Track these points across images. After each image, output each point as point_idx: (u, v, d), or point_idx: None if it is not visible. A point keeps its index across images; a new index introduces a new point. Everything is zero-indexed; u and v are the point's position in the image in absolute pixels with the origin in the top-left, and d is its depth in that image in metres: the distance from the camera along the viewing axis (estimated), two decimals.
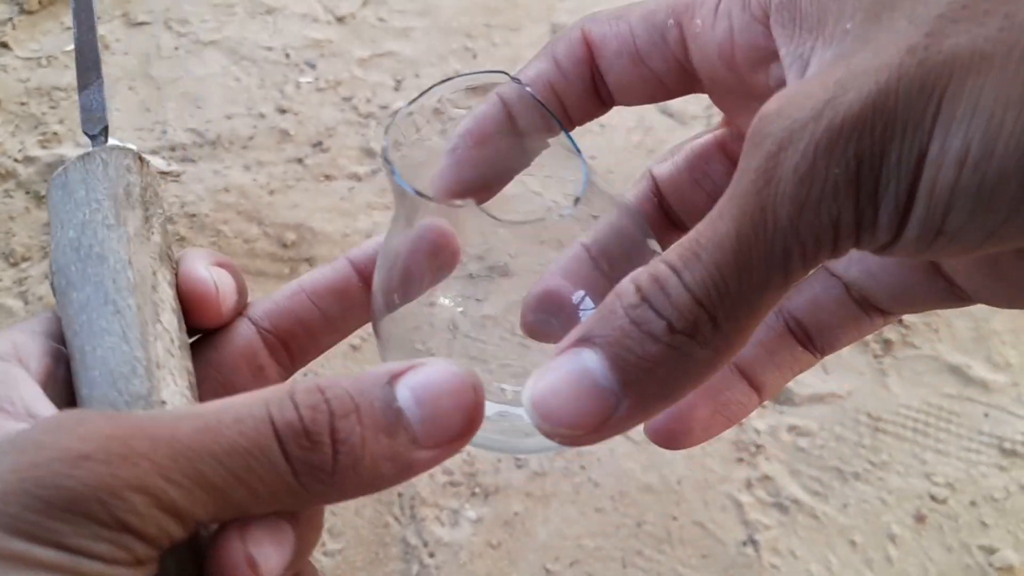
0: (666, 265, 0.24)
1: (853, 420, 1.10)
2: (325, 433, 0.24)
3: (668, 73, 0.34)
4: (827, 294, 0.33)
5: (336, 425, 0.24)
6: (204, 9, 1.63)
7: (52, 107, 1.48)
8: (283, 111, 1.47)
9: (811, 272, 0.34)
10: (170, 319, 0.33)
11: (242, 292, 0.39)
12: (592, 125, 1.46)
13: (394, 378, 0.26)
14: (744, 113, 0.34)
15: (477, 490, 1.03)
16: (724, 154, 0.37)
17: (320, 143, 1.43)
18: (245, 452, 0.24)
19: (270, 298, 0.39)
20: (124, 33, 1.60)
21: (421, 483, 1.04)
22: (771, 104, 0.24)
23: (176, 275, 0.36)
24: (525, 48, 1.58)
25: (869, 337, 0.96)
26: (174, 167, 1.39)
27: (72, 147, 1.41)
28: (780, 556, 0.98)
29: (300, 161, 1.40)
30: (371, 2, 1.65)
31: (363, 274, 0.39)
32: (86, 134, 0.37)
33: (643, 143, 1.41)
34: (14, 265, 1.27)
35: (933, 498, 1.03)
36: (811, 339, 0.34)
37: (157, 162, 1.39)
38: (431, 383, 0.26)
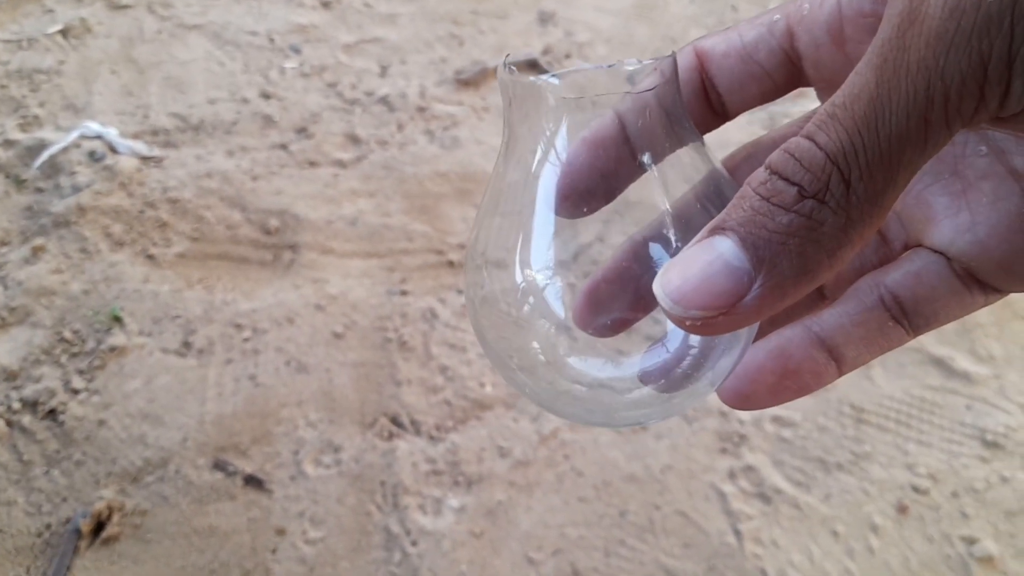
0: (801, 135, 0.23)
1: (836, 411, 1.10)
2: None
3: (776, 67, 0.33)
4: (928, 268, 0.32)
5: None
6: None
7: (32, 90, 1.46)
8: (267, 96, 1.46)
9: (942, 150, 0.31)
10: None
11: None
12: None
13: None
14: None
15: (460, 479, 1.03)
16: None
17: (304, 129, 1.42)
18: None
19: None
20: (106, 16, 1.58)
21: (403, 471, 1.03)
22: None
23: None
24: (512, 35, 1.57)
25: None
26: (156, 152, 1.37)
27: (52, 130, 1.40)
28: (763, 546, 0.98)
29: (284, 147, 1.39)
30: None
31: None
32: None
33: None
34: None
35: (915, 489, 1.03)
36: (907, 315, 0.32)
37: (139, 147, 1.37)
38: None
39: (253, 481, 1.02)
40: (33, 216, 1.29)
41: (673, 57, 0.30)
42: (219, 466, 1.04)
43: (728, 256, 0.24)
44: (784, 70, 0.33)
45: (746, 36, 0.33)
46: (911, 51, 0.22)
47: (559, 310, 0.32)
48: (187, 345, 1.15)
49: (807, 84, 0.34)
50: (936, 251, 0.32)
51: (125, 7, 1.59)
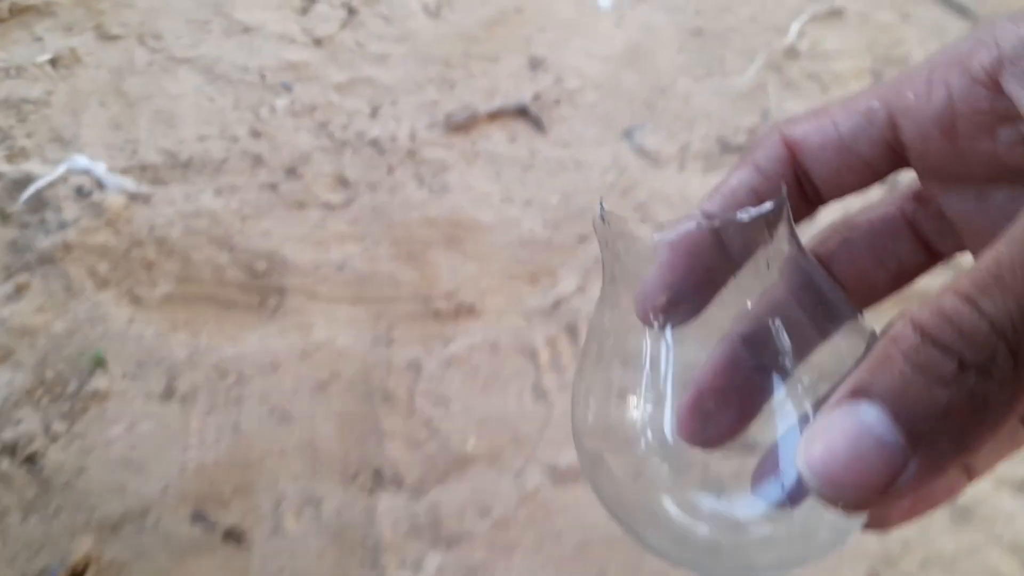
0: (955, 295, 0.21)
1: None
2: None
3: (877, 157, 0.32)
4: None
5: None
6: (179, 25, 1.61)
7: (20, 121, 1.45)
8: (257, 134, 1.46)
9: None
10: None
11: None
12: (567, 162, 1.44)
13: None
14: (953, 188, 0.32)
15: (440, 537, 1.03)
16: (913, 234, 0.33)
17: (294, 169, 1.42)
18: None
19: None
20: (97, 46, 1.58)
21: (384, 527, 1.04)
22: None
23: None
24: (503, 79, 1.58)
25: None
26: (144, 188, 1.37)
27: (39, 163, 1.39)
28: None
29: (273, 187, 1.39)
30: (349, 25, 1.64)
31: None
32: None
33: (617, 183, 1.42)
34: None
35: (886, 559, 1.05)
36: None
37: (127, 183, 1.37)
38: None
39: (232, 535, 1.03)
40: (17, 252, 1.28)
41: (784, 198, 0.30)
42: (199, 518, 1.04)
43: (879, 430, 0.22)
44: (885, 160, 0.32)
45: (842, 126, 0.31)
46: None
47: (674, 441, 0.30)
48: (171, 391, 1.15)
49: (908, 167, 0.32)
50: None
51: (116, 38, 1.59)
